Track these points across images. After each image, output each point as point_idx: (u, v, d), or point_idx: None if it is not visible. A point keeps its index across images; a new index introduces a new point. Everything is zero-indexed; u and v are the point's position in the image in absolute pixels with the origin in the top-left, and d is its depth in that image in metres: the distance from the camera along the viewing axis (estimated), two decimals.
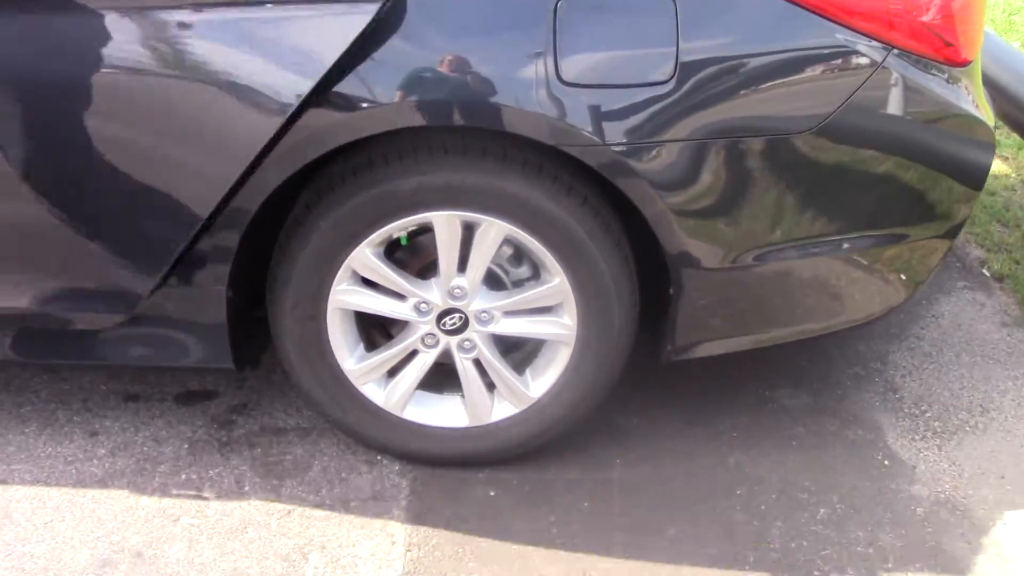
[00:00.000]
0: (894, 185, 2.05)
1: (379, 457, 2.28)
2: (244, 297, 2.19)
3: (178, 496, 2.16)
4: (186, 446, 2.31)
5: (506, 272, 2.15)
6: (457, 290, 2.08)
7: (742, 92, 1.91)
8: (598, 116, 1.90)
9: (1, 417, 2.37)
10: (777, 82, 1.92)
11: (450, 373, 2.20)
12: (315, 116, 1.90)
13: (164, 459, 2.27)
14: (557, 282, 2.05)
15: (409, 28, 1.87)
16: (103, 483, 2.19)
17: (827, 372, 2.60)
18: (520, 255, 2.14)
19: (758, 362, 2.59)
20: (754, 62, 1.90)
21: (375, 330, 2.24)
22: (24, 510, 2.12)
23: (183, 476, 2.22)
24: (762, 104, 1.93)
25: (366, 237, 2.02)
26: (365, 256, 2.04)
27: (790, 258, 2.05)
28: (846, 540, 2.10)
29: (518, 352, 2.24)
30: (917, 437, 2.39)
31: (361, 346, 2.18)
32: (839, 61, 1.93)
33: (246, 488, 2.19)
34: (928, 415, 2.46)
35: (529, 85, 1.88)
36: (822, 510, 2.17)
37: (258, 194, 1.99)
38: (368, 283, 2.11)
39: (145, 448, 2.30)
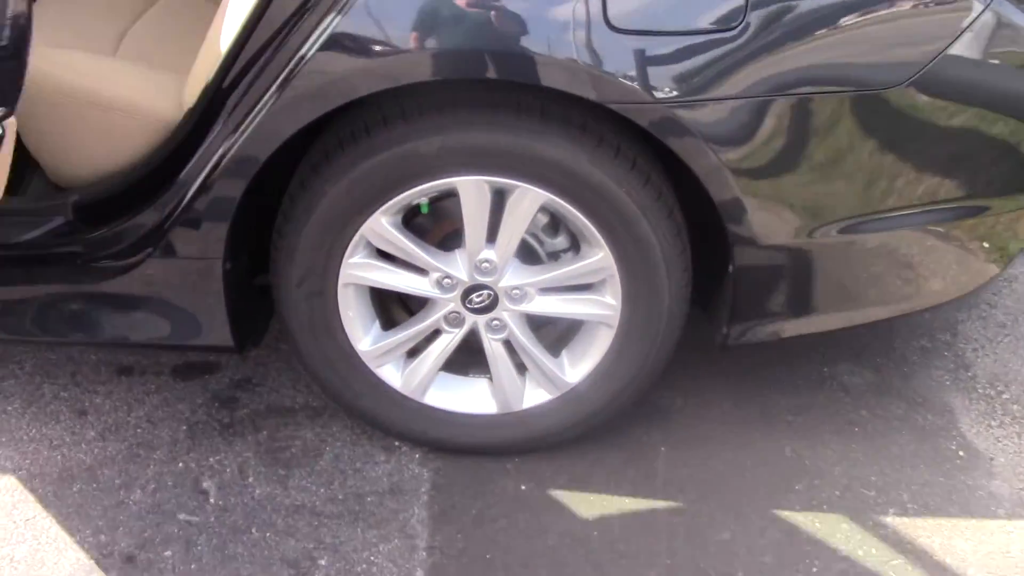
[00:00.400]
0: (993, 148, 1.77)
1: (397, 443, 2.05)
2: (245, 263, 1.96)
3: (175, 488, 1.95)
4: (184, 428, 2.09)
5: (540, 243, 1.89)
6: (485, 264, 1.82)
7: (823, 39, 1.62)
8: (652, 68, 1.62)
9: None
10: (865, 27, 1.63)
11: (476, 352, 1.96)
12: (333, 60, 1.64)
13: (160, 444, 2.05)
14: (600, 257, 1.79)
15: None
16: (92, 472, 1.98)
17: (890, 345, 2.35)
18: (557, 223, 1.88)
19: (813, 333, 2.34)
20: (839, 3, 1.61)
21: (393, 305, 2.00)
22: (4, 504, 1.90)
23: (180, 464, 2.00)
24: (847, 53, 1.64)
25: (382, 204, 1.76)
26: (380, 225, 1.78)
27: (870, 231, 1.77)
28: (919, 548, 1.87)
29: (552, 328, 2.00)
30: (994, 423, 2.14)
31: (376, 324, 1.93)
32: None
33: (250, 479, 1.98)
34: (1005, 397, 2.21)
35: (571, 31, 1.60)
36: (891, 510, 1.94)
37: (264, 145, 1.73)
38: (384, 255, 1.86)
39: (139, 430, 2.08)
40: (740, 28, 1.59)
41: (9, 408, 2.12)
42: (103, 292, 1.90)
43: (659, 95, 1.62)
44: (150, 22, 2.27)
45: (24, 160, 2.08)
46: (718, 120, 1.65)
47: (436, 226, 1.89)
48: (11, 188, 2.10)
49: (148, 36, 2.21)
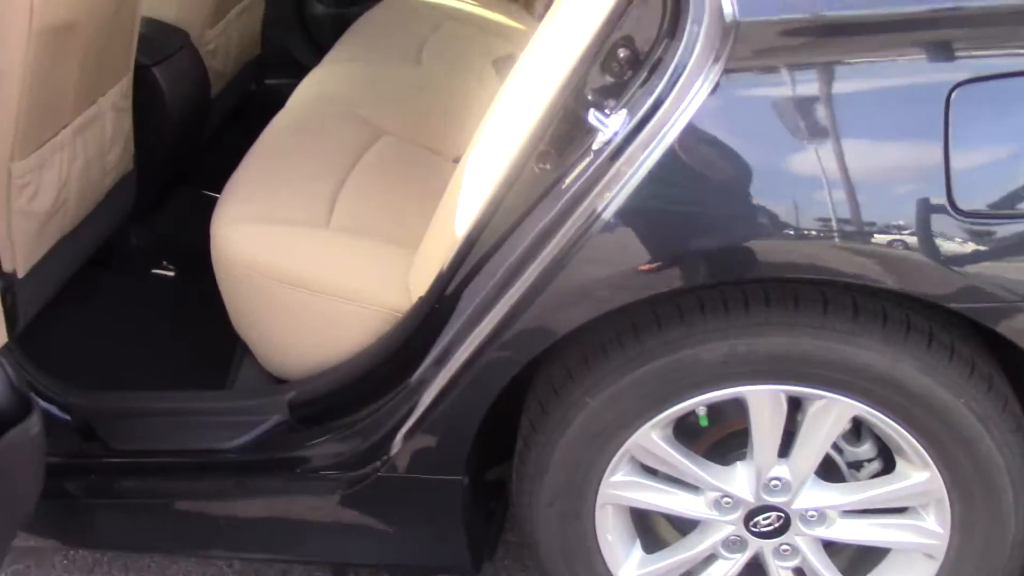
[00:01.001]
0: None
1: None
2: (476, 466, 1.69)
3: None
4: None
5: (839, 451, 1.56)
6: (775, 483, 1.50)
7: None
8: (1010, 259, 1.28)
9: None
10: None
11: (752, 566, 1.63)
12: (609, 249, 1.37)
13: None
14: (925, 479, 1.45)
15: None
16: None
17: None
18: (860, 427, 1.54)
19: None
20: None
21: (657, 521, 1.69)
22: None
23: None
24: None
25: (653, 418, 1.47)
26: (650, 441, 1.49)
27: None
28: None
29: (848, 547, 1.64)
30: None
31: (638, 546, 1.63)
32: None
33: None
34: None
35: (904, 215, 1.28)
36: None
37: (519, 351, 1.47)
38: (649, 469, 1.56)
39: None
40: None
41: None
42: (324, 507, 1.68)
43: (1019, 293, 1.28)
44: (358, 180, 2.05)
45: (231, 346, 1.90)
46: None
47: (707, 430, 1.58)
48: (218, 381, 1.92)
49: (359, 199, 1.98)
